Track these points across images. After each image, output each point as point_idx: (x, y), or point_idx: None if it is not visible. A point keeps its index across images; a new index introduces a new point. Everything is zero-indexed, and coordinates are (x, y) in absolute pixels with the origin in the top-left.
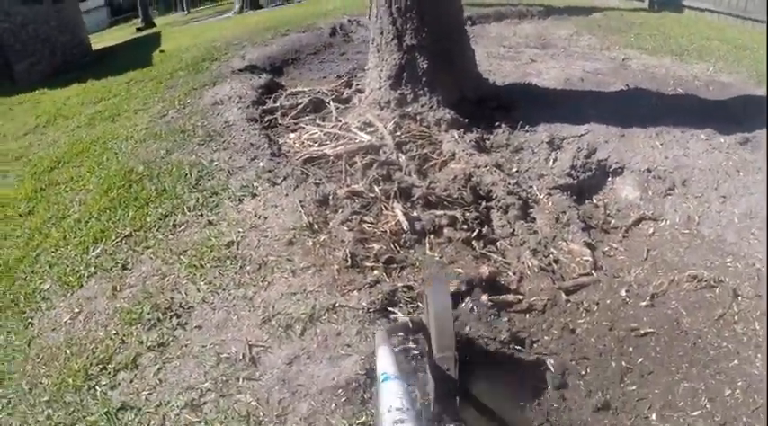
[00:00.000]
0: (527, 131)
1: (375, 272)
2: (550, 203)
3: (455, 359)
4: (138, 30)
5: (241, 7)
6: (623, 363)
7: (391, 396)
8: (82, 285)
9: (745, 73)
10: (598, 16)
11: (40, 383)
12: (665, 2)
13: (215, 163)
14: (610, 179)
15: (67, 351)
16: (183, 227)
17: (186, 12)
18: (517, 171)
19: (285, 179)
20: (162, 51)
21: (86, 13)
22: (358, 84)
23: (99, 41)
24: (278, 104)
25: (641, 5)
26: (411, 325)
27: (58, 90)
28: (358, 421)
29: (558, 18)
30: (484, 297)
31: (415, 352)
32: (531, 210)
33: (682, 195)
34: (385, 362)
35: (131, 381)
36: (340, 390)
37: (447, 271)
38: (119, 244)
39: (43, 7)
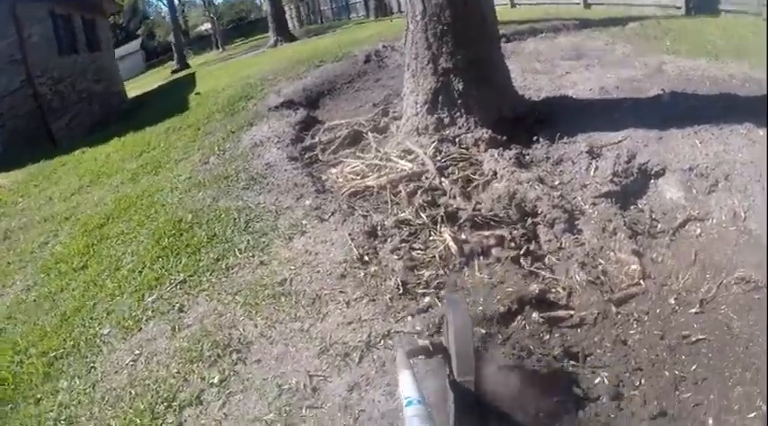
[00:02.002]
0: (566, 143)
1: (427, 299)
2: (596, 212)
3: (475, 382)
4: (173, 72)
5: (276, 41)
6: (676, 372)
7: (414, 421)
8: (141, 328)
9: None
10: (634, 25)
11: (109, 424)
12: (701, 6)
13: (261, 205)
14: (652, 181)
15: (132, 392)
16: (235, 269)
17: (221, 49)
18: (560, 183)
19: (332, 214)
20: (198, 94)
21: (121, 59)
22: (394, 112)
23: (135, 87)
24: (316, 140)
25: (678, 12)
26: (431, 348)
27: (98, 147)
28: None
29: (593, 30)
30: (535, 315)
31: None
32: (577, 222)
33: (726, 190)
34: (408, 386)
35: (197, 417)
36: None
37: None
38: (173, 289)
39: (80, 57)
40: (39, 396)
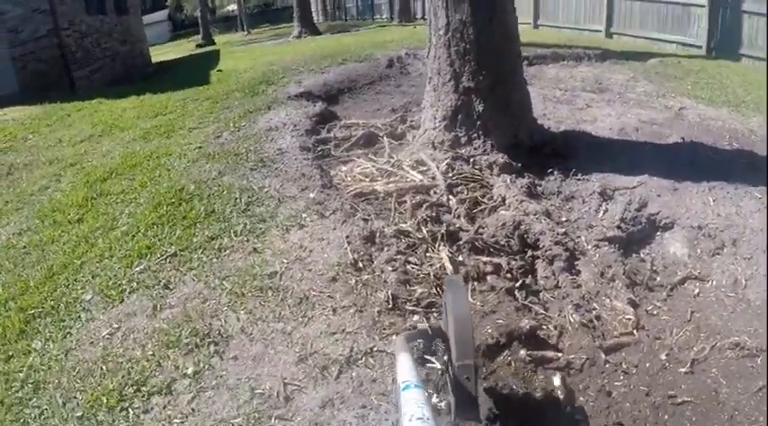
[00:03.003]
0: (579, 180)
1: (415, 317)
2: (597, 256)
3: (475, 366)
4: (198, 46)
5: (300, 32)
6: None
7: (412, 405)
8: (123, 300)
9: None
10: (654, 62)
11: (74, 397)
12: (722, 49)
13: (265, 189)
14: (659, 234)
15: (103, 368)
16: (227, 252)
17: (246, 32)
18: (566, 220)
19: (334, 212)
20: (220, 71)
21: (149, 26)
22: (412, 120)
23: (160, 53)
24: (332, 135)
25: (698, 52)
26: (430, 332)
27: (116, 100)
28: None
29: (615, 62)
30: (522, 352)
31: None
32: (577, 263)
33: (731, 255)
34: (405, 370)
35: (164, 407)
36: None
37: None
38: (163, 261)
39: (107, 18)
40: (10, 353)
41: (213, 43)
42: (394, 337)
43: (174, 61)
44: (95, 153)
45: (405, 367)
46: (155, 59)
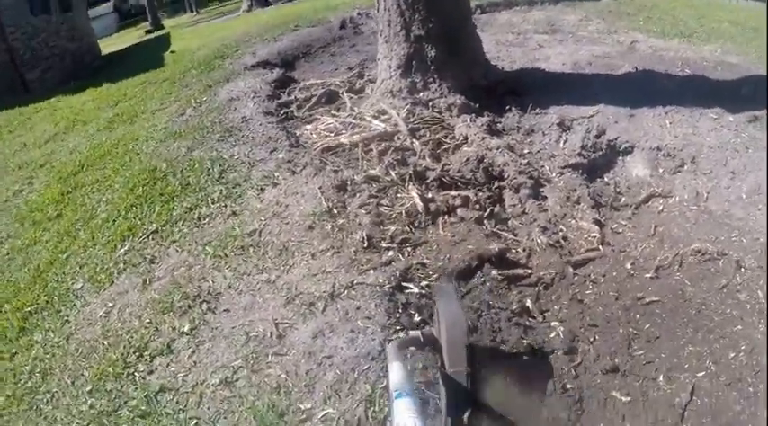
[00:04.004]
0: (537, 114)
1: (390, 253)
2: (561, 182)
3: (467, 373)
4: (147, 32)
5: (250, 5)
6: (630, 329)
7: (404, 414)
8: (113, 282)
9: (754, 54)
10: (608, 1)
11: (82, 375)
12: None
13: (235, 156)
14: (620, 158)
15: (105, 343)
16: (207, 219)
17: (195, 13)
18: (529, 152)
19: (304, 168)
20: (173, 52)
21: (95, 20)
22: (369, 75)
23: (109, 45)
24: (292, 98)
25: None
26: (422, 339)
27: (74, 96)
28: (380, 386)
29: (568, 4)
30: (494, 272)
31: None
32: (543, 189)
33: (691, 172)
34: (397, 378)
35: (168, 365)
36: (362, 359)
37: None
38: (146, 239)
39: (52, 17)
40: (14, 351)
41: (162, 28)
42: (371, 271)
43: (124, 50)
44: (62, 150)
45: (397, 375)
46: (105, 52)
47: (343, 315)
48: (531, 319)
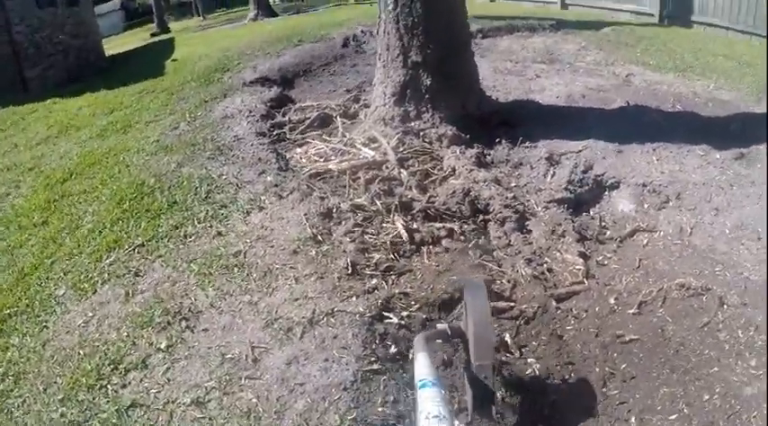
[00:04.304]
0: (527, 147)
1: (374, 280)
2: (547, 216)
3: (493, 366)
4: (153, 35)
5: (256, 14)
6: (606, 368)
7: (429, 403)
8: (96, 291)
9: (746, 90)
10: (607, 31)
11: (55, 382)
12: (674, 16)
13: (224, 177)
14: (606, 193)
15: (81, 352)
16: (192, 238)
17: (202, 17)
18: (516, 185)
19: (291, 192)
20: (174, 60)
21: (101, 17)
22: (365, 100)
23: (113, 46)
24: (287, 119)
25: (651, 20)
26: (449, 332)
27: (70, 99)
28: (350, 417)
29: (568, 32)
30: None
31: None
32: (528, 223)
33: (676, 208)
34: (423, 368)
35: (141, 380)
36: (333, 389)
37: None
38: (131, 252)
39: (58, 10)
40: None
41: (168, 31)
42: (353, 299)
43: (128, 53)
44: (53, 155)
45: (422, 365)
46: (109, 52)
47: (320, 342)
48: (508, 354)
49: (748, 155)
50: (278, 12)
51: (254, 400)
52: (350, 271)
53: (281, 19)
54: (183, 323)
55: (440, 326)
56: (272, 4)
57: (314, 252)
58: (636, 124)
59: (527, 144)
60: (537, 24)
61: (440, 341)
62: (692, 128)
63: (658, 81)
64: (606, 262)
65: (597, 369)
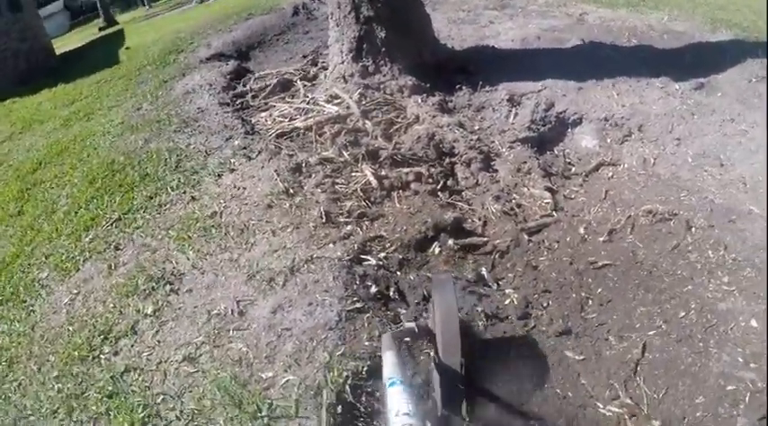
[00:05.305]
0: (487, 91)
1: (348, 227)
2: (512, 155)
3: (461, 363)
4: (101, 29)
5: None
6: (583, 294)
7: (398, 401)
8: (78, 269)
9: (700, 20)
10: None
11: (48, 361)
12: None
13: (192, 146)
14: (569, 130)
15: (70, 329)
16: (168, 206)
17: (148, 6)
18: (479, 128)
19: (260, 153)
20: (128, 48)
21: (46, 19)
22: (323, 62)
23: (63, 45)
24: (247, 88)
25: None
26: (417, 330)
27: (29, 97)
28: (338, 353)
29: None
30: (450, 241)
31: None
32: (494, 163)
33: (638, 140)
34: (391, 367)
35: (132, 346)
36: (320, 330)
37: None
38: (109, 228)
39: (2, 18)
40: None
41: (116, 23)
42: (330, 245)
43: (79, 49)
44: (19, 149)
45: (390, 364)
46: (59, 51)
47: (302, 288)
48: (485, 287)
49: (707, 84)
50: None
51: (244, 349)
52: (324, 220)
53: None
54: (168, 287)
55: (408, 325)
56: None
57: (287, 205)
58: (593, 61)
59: (487, 88)
60: None
61: (408, 339)
62: (649, 61)
63: (612, 17)
64: (573, 196)
65: (574, 295)
